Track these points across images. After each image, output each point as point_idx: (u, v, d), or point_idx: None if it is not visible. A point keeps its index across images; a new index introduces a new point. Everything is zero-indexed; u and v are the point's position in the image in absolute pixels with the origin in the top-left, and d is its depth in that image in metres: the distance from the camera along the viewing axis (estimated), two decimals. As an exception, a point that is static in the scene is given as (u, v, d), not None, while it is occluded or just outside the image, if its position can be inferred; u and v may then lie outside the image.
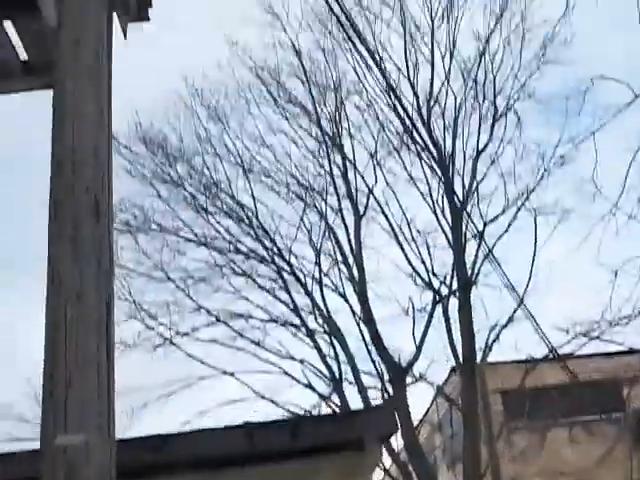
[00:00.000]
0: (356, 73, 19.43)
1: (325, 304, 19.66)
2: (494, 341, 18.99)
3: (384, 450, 18.82)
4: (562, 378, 17.93)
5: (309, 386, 19.02)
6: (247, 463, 4.18)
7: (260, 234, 19.79)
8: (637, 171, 10.31)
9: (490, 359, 19.40)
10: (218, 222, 19.86)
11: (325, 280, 20.01)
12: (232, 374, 18.92)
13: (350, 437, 4.27)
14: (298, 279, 19.65)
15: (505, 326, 18.92)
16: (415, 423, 21.06)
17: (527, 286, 18.49)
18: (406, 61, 20.16)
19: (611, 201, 10.64)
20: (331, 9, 10.41)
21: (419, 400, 22.13)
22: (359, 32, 9.27)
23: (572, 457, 16.51)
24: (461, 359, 18.56)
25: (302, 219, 20.01)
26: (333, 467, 4.45)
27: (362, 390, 19.14)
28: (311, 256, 20.01)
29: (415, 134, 19.55)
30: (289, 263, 19.71)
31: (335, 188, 20.37)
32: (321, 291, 19.68)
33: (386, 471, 19.78)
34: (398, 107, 18.63)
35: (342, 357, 19.55)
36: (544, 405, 18.65)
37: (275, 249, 19.76)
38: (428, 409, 22.71)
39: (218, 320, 19.52)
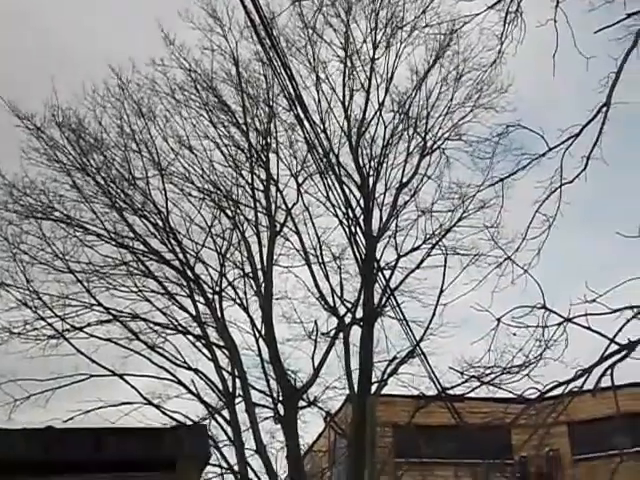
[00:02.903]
0: (286, 92, 19.22)
1: (222, 316, 19.38)
2: (390, 375, 18.98)
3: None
4: (452, 419, 17.91)
5: (198, 397, 18.64)
6: (42, 471, 3.86)
7: (170, 237, 19.39)
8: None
9: (385, 392, 19.39)
10: (126, 219, 19.38)
11: (230, 292, 19.76)
12: (121, 376, 18.41)
13: (159, 455, 4.00)
14: (201, 287, 19.31)
15: (403, 361, 18.91)
16: (305, 449, 20.89)
17: (429, 324, 18.57)
18: (343, 85, 20.13)
19: (511, 249, 10.59)
20: (256, 32, 10.19)
21: (314, 426, 21.96)
22: (282, 57, 9.06)
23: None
24: (355, 389, 18.44)
25: (213, 226, 19.65)
26: (141, 485, 4.18)
27: (250, 408, 18.83)
28: (218, 265, 19.72)
29: (339, 159, 19.39)
30: (193, 270, 19.35)
31: (254, 201, 20.12)
32: (220, 302, 19.38)
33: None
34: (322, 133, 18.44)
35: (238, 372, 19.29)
36: (433, 443, 18.62)
37: (182, 255, 19.38)
38: (319, 436, 22.51)
39: (115, 319, 19.02)
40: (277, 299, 20.23)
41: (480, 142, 17.91)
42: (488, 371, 14.52)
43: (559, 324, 7.99)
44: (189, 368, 19.54)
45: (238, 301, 19.85)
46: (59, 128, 19.11)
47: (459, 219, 19.61)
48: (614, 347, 8.11)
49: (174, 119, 20.08)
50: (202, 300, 19.44)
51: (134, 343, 19.16)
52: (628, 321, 7.85)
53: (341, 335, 19.42)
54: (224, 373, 19.60)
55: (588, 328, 8.18)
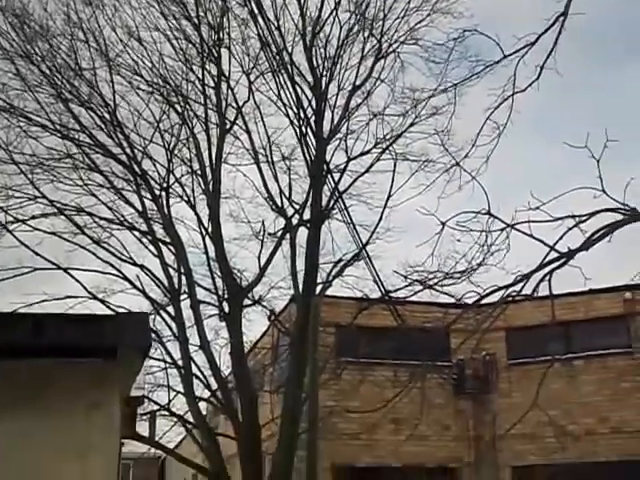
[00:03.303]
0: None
1: (169, 213, 19.28)
2: (335, 276, 19.23)
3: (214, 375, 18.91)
4: (394, 321, 18.31)
5: (143, 293, 18.69)
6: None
7: (117, 130, 19.02)
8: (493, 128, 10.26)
9: (329, 293, 19.67)
10: (71, 110, 18.90)
11: (178, 189, 19.63)
12: (66, 270, 18.32)
13: (99, 341, 4.01)
14: (148, 183, 19.11)
15: (349, 263, 19.14)
16: (249, 346, 21.22)
17: (376, 228, 18.74)
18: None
19: (460, 156, 10.65)
20: None
21: (259, 324, 22.27)
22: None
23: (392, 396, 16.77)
24: (300, 289, 18.64)
25: (161, 121, 19.31)
26: (81, 371, 4.20)
27: (195, 305, 18.98)
28: (166, 161, 19.50)
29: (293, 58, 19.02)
30: (140, 165, 19.09)
31: (205, 98, 19.76)
32: (167, 199, 19.27)
33: (212, 393, 19.85)
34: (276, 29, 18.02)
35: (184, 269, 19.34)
36: (374, 344, 19.04)
37: (129, 149, 19.06)
38: (263, 334, 22.85)
39: (60, 212, 18.78)
40: (225, 198, 20.18)
41: (436, 47, 17.79)
42: (431, 276, 14.83)
43: (502, 230, 8.14)
44: (135, 264, 19.53)
45: (185, 198, 19.76)
46: (2, 13, 18.35)
47: (410, 124, 19.55)
48: (554, 255, 8.31)
49: (123, 9, 19.40)
50: (149, 196, 19.28)
51: (79, 237, 19.04)
52: (569, 229, 8.03)
53: (288, 236, 19.51)
54: (170, 270, 19.65)
55: (530, 235, 8.35)
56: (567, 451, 19.18)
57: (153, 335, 19.11)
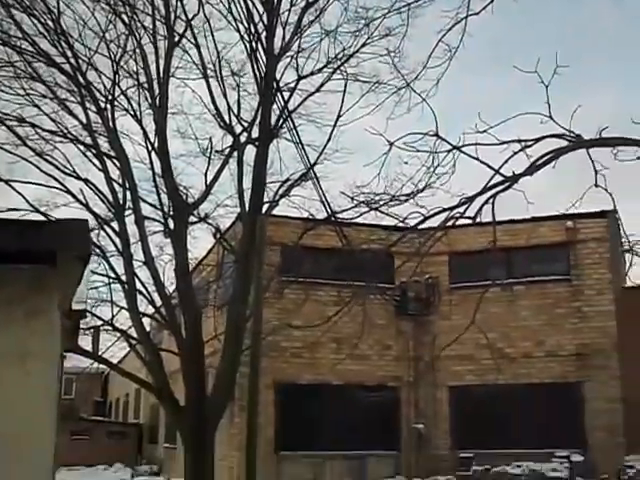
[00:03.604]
0: None
1: (114, 126, 18.89)
2: (282, 196, 19.18)
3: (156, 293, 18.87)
4: (339, 242, 18.43)
5: (87, 207, 18.43)
6: None
7: (61, 39, 18.40)
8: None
9: (275, 212, 19.66)
10: (13, 16, 18.19)
11: (124, 102, 19.19)
12: (7, 182, 17.93)
13: (38, 247, 3.93)
14: (92, 95, 18.64)
15: (296, 183, 19.09)
16: (194, 264, 21.18)
17: (324, 148, 18.65)
18: None
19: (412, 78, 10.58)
20: None
21: (204, 242, 22.19)
22: None
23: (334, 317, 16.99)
24: (247, 208, 18.57)
25: (107, 31, 18.72)
26: (20, 277, 4.13)
27: (140, 220, 18.81)
28: (112, 73, 18.99)
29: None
30: (85, 76, 18.57)
31: (153, 8, 19.17)
32: (112, 111, 18.84)
33: (156, 309, 19.85)
34: None
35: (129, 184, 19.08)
36: (318, 264, 19.16)
37: (74, 59, 18.49)
38: (208, 252, 22.82)
39: (1, 122, 18.26)
40: (172, 113, 19.83)
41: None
42: (377, 198, 14.88)
43: (448, 151, 8.15)
44: (78, 178, 19.19)
45: (131, 112, 19.33)
46: None
47: (363, 44, 19.26)
48: (499, 179, 8.38)
49: None
50: (93, 108, 18.80)
51: (21, 149, 18.56)
52: (515, 154, 8.08)
53: (235, 154, 19.31)
54: (114, 185, 19.36)
55: (476, 159, 8.40)
56: (503, 372, 19.77)
57: (97, 250, 18.96)
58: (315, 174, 17.81)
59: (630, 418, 19.06)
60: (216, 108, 19.26)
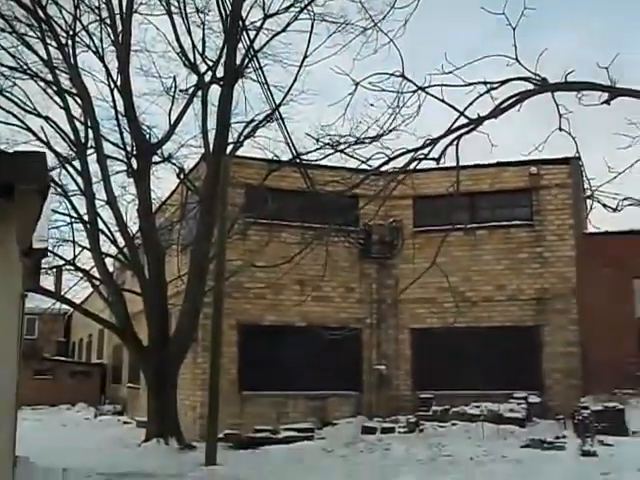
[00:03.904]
0: None
1: (76, 62, 18.51)
2: (247, 137, 19.03)
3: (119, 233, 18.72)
4: (304, 184, 18.39)
5: (48, 145, 18.13)
6: None
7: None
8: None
9: (240, 153, 19.51)
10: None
11: (85, 38, 18.78)
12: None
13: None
14: (53, 30, 18.19)
15: (261, 124, 18.92)
16: (157, 204, 21.01)
17: (290, 89, 18.47)
18: None
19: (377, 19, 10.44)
20: None
21: (168, 182, 21.99)
22: None
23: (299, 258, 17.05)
24: (211, 148, 18.41)
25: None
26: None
27: (102, 159, 18.58)
28: (73, 8, 18.53)
29: None
30: (45, 10, 18.10)
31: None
32: (73, 47, 18.43)
33: (119, 249, 19.73)
34: None
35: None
36: (283, 206, 19.09)
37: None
38: (172, 192, 22.63)
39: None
40: (135, 51, 19.53)
41: None
42: (342, 140, 14.82)
43: (414, 92, 8.09)
44: (39, 115, 18.88)
45: (93, 48, 18.97)
46: None
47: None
48: (463, 120, 8.35)
49: None
50: (54, 44, 18.39)
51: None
52: (480, 95, 8.04)
53: (200, 93, 19.08)
54: (76, 123, 19.07)
55: (442, 100, 8.34)
56: (464, 316, 19.98)
57: (59, 189, 18.75)
58: (280, 115, 17.69)
59: (586, 361, 19.46)
60: (180, 46, 18.98)
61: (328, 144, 14.45)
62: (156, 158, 19.26)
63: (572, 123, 8.29)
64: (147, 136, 18.99)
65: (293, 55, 21.47)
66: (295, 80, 18.40)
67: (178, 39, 18.88)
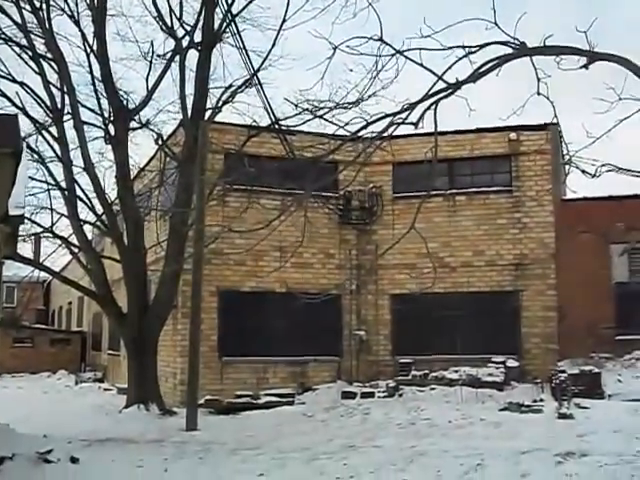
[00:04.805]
0: None
1: (51, 27, 18.23)
2: (225, 102, 18.88)
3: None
4: (283, 150, 18.30)
5: (23, 111, 17.88)
6: None
7: None
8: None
9: (219, 119, 19.37)
10: None
11: (60, 2, 18.50)
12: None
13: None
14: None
15: (239, 90, 18.77)
16: (135, 171, 20.86)
17: (268, 54, 18.30)
18: None
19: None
20: None
21: (146, 149, 21.83)
22: None
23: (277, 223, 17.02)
24: (189, 114, 18.26)
25: None
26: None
27: (79, 125, 18.38)
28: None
29: None
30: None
31: None
32: (48, 11, 18.14)
33: (97, 216, 19.61)
34: None
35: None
36: (262, 172, 19.02)
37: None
38: (151, 159, 22.47)
39: None
40: (111, 15, 19.27)
41: None
42: (322, 105, 14.72)
43: (392, 55, 8.03)
44: (14, 80, 18.61)
45: (68, 12, 18.67)
46: None
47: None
48: (442, 85, 8.31)
49: None
50: (28, 7, 18.10)
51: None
52: (458, 59, 8.00)
53: (177, 58, 18.88)
54: (52, 88, 18.85)
55: (420, 64, 8.29)
56: (443, 281, 20.11)
57: (35, 156, 18.57)
58: (259, 80, 17.53)
59: (564, 326, 19.67)
60: (157, 10, 18.74)
61: (307, 110, 14.30)
62: (134, 124, 19.10)
63: (552, 90, 8.28)
64: (124, 102, 18.80)
65: (272, 19, 21.29)
66: (274, 45, 18.23)
67: (155, 3, 18.64)
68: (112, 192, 19.72)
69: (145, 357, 18.11)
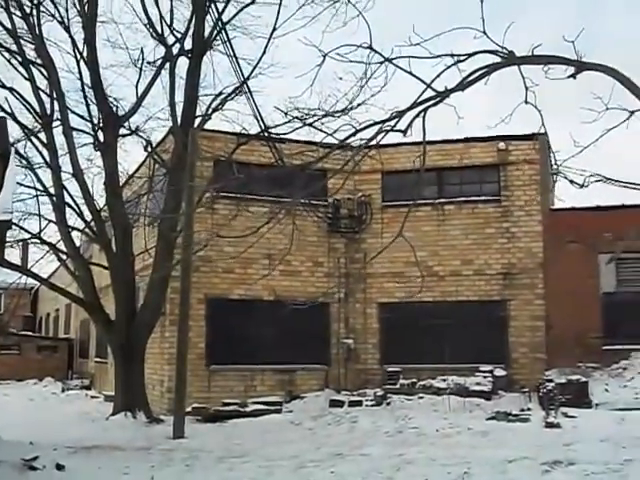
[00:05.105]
0: None
1: (41, 32, 18.22)
2: (215, 110, 18.89)
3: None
4: (272, 158, 18.33)
5: (12, 117, 17.83)
6: None
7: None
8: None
9: (208, 127, 19.36)
10: None
11: (50, 7, 18.48)
12: None
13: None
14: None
15: (229, 97, 18.79)
16: (124, 178, 20.83)
17: (259, 62, 18.34)
18: None
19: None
20: None
21: (136, 155, 21.79)
22: None
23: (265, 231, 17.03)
24: (179, 121, 18.26)
25: None
26: None
27: (68, 131, 18.35)
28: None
29: None
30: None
31: None
32: (38, 17, 18.14)
33: (85, 223, 19.56)
34: None
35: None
36: (251, 180, 18.99)
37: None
38: (140, 165, 22.43)
39: None
40: (102, 22, 19.27)
41: None
42: (311, 113, 14.78)
43: (381, 63, 8.07)
44: (3, 86, 18.61)
45: (59, 18, 18.66)
46: None
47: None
48: (431, 93, 8.34)
49: None
50: (18, 13, 18.08)
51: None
52: (447, 68, 8.03)
53: (168, 65, 18.89)
54: (42, 94, 18.83)
55: (409, 72, 8.32)
56: (432, 290, 20.16)
57: (24, 161, 18.54)
58: (249, 88, 17.57)
59: (552, 335, 19.71)
60: (148, 17, 18.77)
61: (297, 117, 14.40)
62: (123, 131, 19.08)
63: (541, 100, 8.32)
64: (114, 108, 18.78)
65: (262, 28, 21.30)
66: (264, 53, 18.27)
67: (145, 10, 18.65)
68: (101, 199, 19.70)
69: (132, 364, 18.05)
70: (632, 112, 7.82)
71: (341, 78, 10.46)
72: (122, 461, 12.13)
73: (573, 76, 8.12)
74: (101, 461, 12.12)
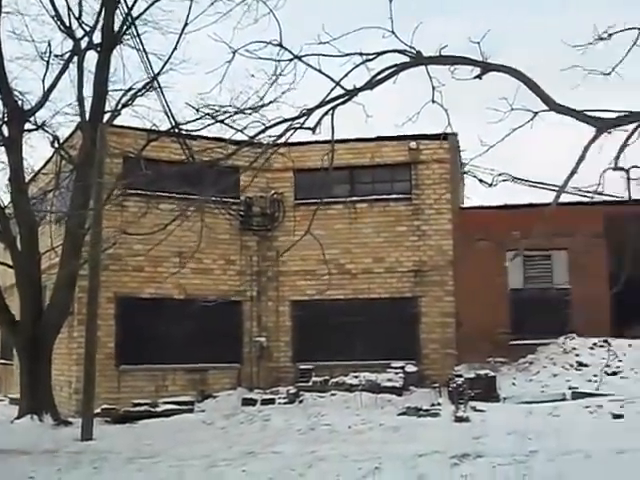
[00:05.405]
0: None
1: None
2: (125, 105, 18.58)
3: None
4: (183, 155, 18.12)
5: None
6: None
7: None
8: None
9: (118, 122, 19.03)
10: None
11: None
12: None
13: None
14: None
15: (140, 93, 18.51)
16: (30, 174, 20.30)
17: (170, 57, 18.13)
18: None
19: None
20: None
21: (43, 151, 21.27)
22: None
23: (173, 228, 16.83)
24: (87, 116, 17.89)
25: None
26: None
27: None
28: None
29: None
30: None
31: None
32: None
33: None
34: None
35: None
36: (162, 177, 18.73)
37: None
38: (46, 162, 21.88)
39: None
40: (7, 13, 18.73)
41: None
42: (223, 110, 14.65)
43: (290, 60, 8.06)
44: None
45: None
46: None
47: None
48: (340, 91, 8.38)
49: None
50: None
51: None
52: (356, 66, 8.08)
53: (76, 59, 18.48)
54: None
55: (318, 70, 8.34)
56: (344, 287, 20.31)
57: None
58: (159, 84, 17.37)
59: (461, 331, 20.08)
60: (55, 9, 18.34)
61: (208, 114, 14.25)
62: (29, 125, 18.61)
63: (450, 100, 8.44)
64: (19, 102, 18.28)
65: (174, 23, 21.02)
66: (175, 48, 18.08)
67: (53, 2, 18.22)
68: (5, 195, 19.13)
69: (39, 366, 17.59)
70: (536, 113, 8.02)
71: (253, 75, 10.40)
72: (28, 465, 11.84)
73: (479, 77, 8.27)
74: (6, 465, 11.81)
